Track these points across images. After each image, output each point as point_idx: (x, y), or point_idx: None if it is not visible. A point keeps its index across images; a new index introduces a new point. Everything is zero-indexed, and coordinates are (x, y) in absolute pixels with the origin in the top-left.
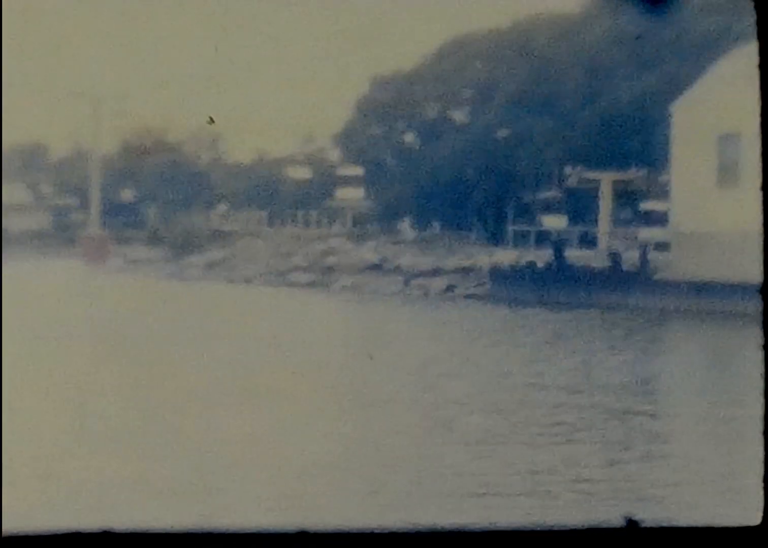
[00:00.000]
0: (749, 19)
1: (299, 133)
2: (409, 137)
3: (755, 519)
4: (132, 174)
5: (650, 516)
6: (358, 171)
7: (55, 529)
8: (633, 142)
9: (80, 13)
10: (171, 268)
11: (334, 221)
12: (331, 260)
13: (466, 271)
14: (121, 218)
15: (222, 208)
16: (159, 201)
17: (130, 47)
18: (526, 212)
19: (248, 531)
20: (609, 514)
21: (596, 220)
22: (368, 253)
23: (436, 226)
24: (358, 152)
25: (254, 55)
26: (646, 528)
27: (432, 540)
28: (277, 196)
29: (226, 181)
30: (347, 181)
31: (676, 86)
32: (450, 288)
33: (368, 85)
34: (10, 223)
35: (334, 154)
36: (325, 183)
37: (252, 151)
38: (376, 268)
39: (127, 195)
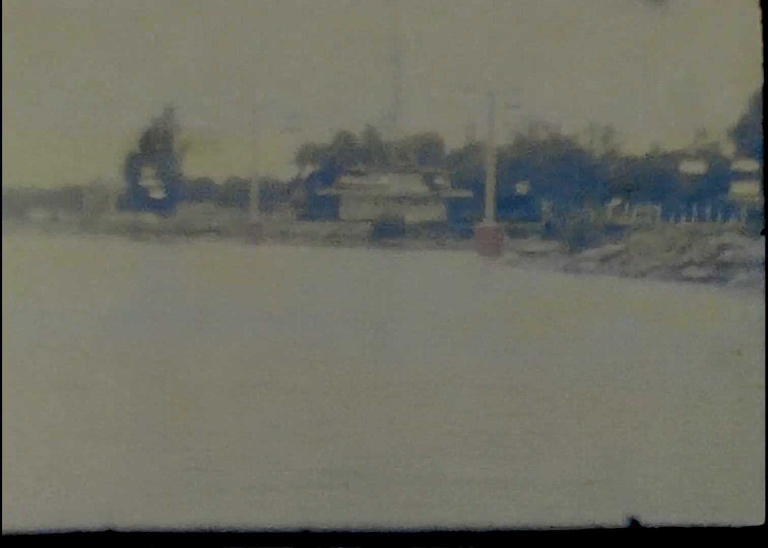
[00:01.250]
0: None
1: (693, 126)
2: None
3: (759, 519)
4: (526, 167)
5: (653, 515)
6: (753, 165)
7: (58, 528)
8: None
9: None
10: (565, 261)
11: (729, 216)
12: (726, 255)
13: None
14: (516, 211)
15: (616, 201)
16: (553, 194)
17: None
18: None
19: (251, 530)
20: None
21: None
22: (763, 248)
23: None
24: (753, 146)
25: (640, 51)
26: (649, 528)
27: (434, 540)
28: (671, 190)
29: (619, 175)
30: (742, 175)
31: None
32: None
33: (763, 77)
34: (407, 213)
35: (729, 149)
36: (720, 177)
37: (646, 145)
38: None
39: (522, 188)
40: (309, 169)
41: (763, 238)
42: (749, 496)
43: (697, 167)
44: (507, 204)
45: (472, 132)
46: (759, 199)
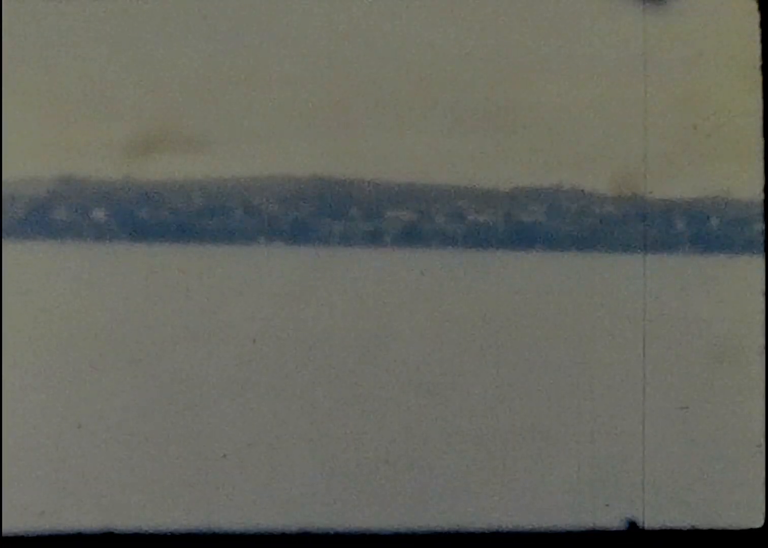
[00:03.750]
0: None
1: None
2: None
3: (758, 521)
4: None
5: (651, 517)
6: None
7: (56, 530)
8: None
9: None
10: None
11: None
12: None
13: None
14: None
15: None
16: None
17: None
18: None
19: (251, 532)
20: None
21: None
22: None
23: None
24: None
25: None
26: (647, 531)
27: (431, 541)
28: None
29: None
30: None
31: None
32: None
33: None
34: None
35: None
36: None
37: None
38: None
39: None
40: None
41: None
42: (748, 498)
43: None
44: None
45: None
46: None
